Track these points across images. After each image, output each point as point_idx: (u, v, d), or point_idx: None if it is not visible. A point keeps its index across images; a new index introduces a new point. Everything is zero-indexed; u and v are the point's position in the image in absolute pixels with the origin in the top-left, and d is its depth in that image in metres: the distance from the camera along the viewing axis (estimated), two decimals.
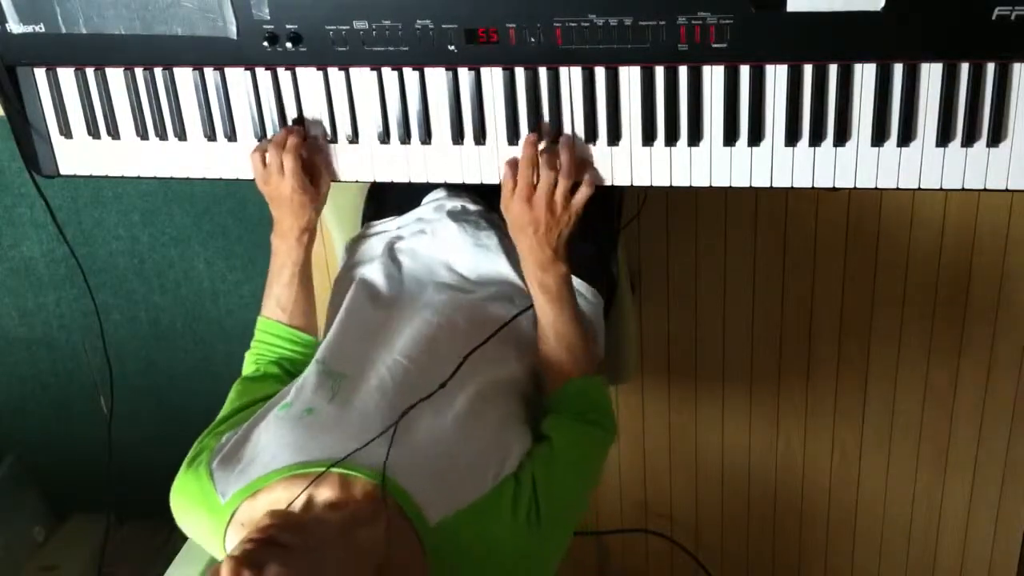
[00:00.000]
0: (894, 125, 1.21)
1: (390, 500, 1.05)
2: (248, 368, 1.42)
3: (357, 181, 1.37)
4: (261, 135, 1.35)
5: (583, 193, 1.25)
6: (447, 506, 1.07)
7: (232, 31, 1.27)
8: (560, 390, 1.29)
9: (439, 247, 1.45)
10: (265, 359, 1.40)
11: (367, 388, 1.20)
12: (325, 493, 1.06)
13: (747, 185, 1.26)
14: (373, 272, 1.45)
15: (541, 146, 1.26)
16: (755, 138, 1.23)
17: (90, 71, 1.36)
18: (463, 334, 1.28)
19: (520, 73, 1.25)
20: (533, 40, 1.21)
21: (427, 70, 1.27)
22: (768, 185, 1.26)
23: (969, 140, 1.19)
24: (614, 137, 1.27)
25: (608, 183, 1.29)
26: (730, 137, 1.24)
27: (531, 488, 1.11)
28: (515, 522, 1.09)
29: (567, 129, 1.27)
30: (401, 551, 1.03)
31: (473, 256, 1.43)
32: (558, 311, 1.29)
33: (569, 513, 1.18)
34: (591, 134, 1.27)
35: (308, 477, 1.07)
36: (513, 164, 1.26)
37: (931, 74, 1.17)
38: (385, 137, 1.32)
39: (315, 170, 1.34)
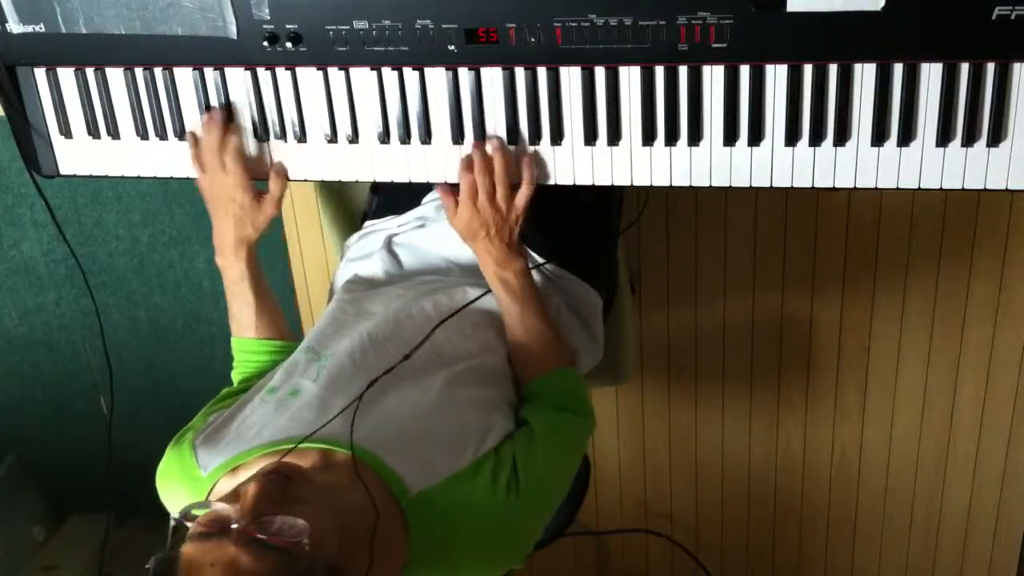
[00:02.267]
0: (894, 125, 1.20)
1: (369, 470, 1.06)
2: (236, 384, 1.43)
3: (357, 181, 1.36)
4: (262, 135, 1.35)
5: (523, 194, 1.27)
6: (427, 478, 1.09)
7: (232, 31, 1.27)
8: (536, 382, 1.29)
9: (437, 240, 1.46)
10: (249, 372, 1.41)
11: (352, 368, 1.21)
12: (305, 464, 1.07)
13: (747, 185, 1.26)
14: (370, 264, 1.46)
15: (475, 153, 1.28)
16: (755, 138, 1.23)
17: (90, 71, 1.36)
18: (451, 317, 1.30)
19: (520, 73, 1.25)
20: (533, 40, 1.21)
21: (427, 70, 1.27)
22: (768, 185, 1.26)
23: (969, 140, 1.19)
24: (614, 137, 1.27)
25: (608, 183, 1.29)
26: (730, 137, 1.24)
27: (511, 464, 1.13)
28: (495, 491, 1.10)
29: (567, 129, 1.27)
30: (384, 521, 1.04)
31: (470, 254, 1.44)
32: (523, 306, 1.30)
33: (547, 492, 1.19)
34: (591, 134, 1.27)
35: (287, 450, 1.08)
36: (444, 187, 1.30)
37: (931, 74, 1.17)
38: (385, 137, 1.32)
39: (262, 170, 1.33)
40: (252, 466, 1.09)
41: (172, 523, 0.97)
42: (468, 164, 1.27)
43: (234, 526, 0.93)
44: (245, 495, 0.95)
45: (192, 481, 1.13)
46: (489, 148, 1.27)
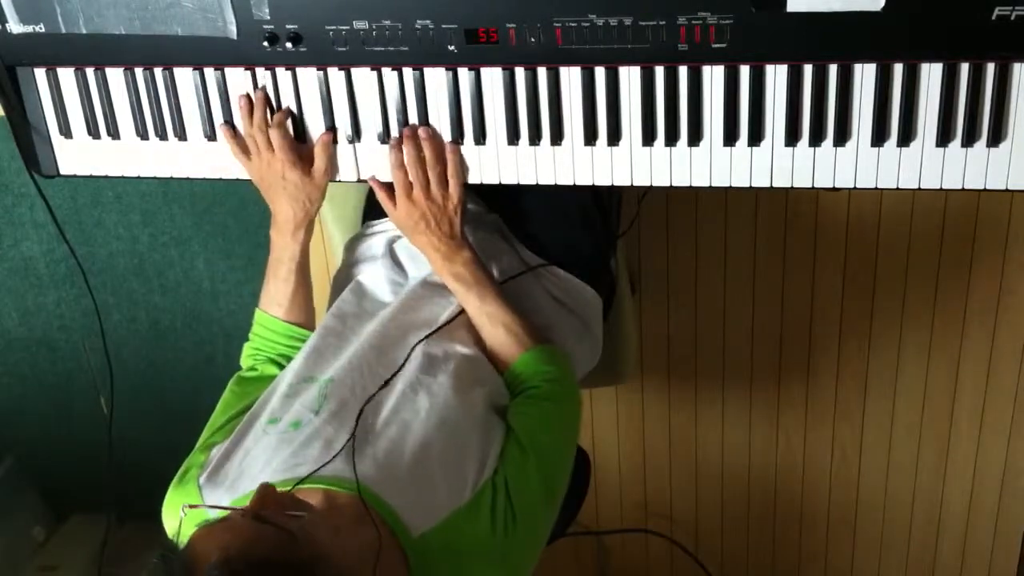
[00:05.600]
0: (894, 125, 1.21)
1: (373, 512, 1.05)
2: (246, 362, 1.41)
3: (357, 181, 1.36)
4: None
5: (454, 183, 1.29)
6: (428, 518, 1.07)
7: (232, 31, 1.27)
8: (511, 370, 1.29)
9: None
10: (263, 355, 1.40)
11: (352, 400, 1.19)
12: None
13: (747, 185, 1.26)
14: (374, 276, 1.44)
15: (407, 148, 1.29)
16: (755, 138, 1.23)
17: (90, 71, 1.36)
18: (442, 333, 1.29)
19: (520, 73, 1.25)
20: (533, 40, 1.21)
21: (427, 70, 1.27)
22: (768, 185, 1.26)
23: (969, 140, 1.19)
24: (614, 137, 1.27)
25: (607, 183, 1.29)
26: (730, 137, 1.24)
27: (504, 491, 1.12)
28: (494, 530, 1.09)
29: (567, 129, 1.27)
30: (386, 562, 1.03)
31: None
32: (480, 295, 1.30)
33: (545, 502, 1.18)
34: (591, 134, 1.27)
35: (292, 487, 1.07)
36: (377, 182, 1.32)
37: (931, 74, 1.17)
38: (385, 137, 1.32)
39: (306, 150, 1.33)
40: None
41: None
42: (399, 160, 1.29)
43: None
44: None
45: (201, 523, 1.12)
46: (422, 137, 1.28)
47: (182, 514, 1.03)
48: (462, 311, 1.33)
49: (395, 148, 1.29)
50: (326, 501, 1.06)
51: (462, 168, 1.30)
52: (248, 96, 1.32)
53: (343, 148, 1.34)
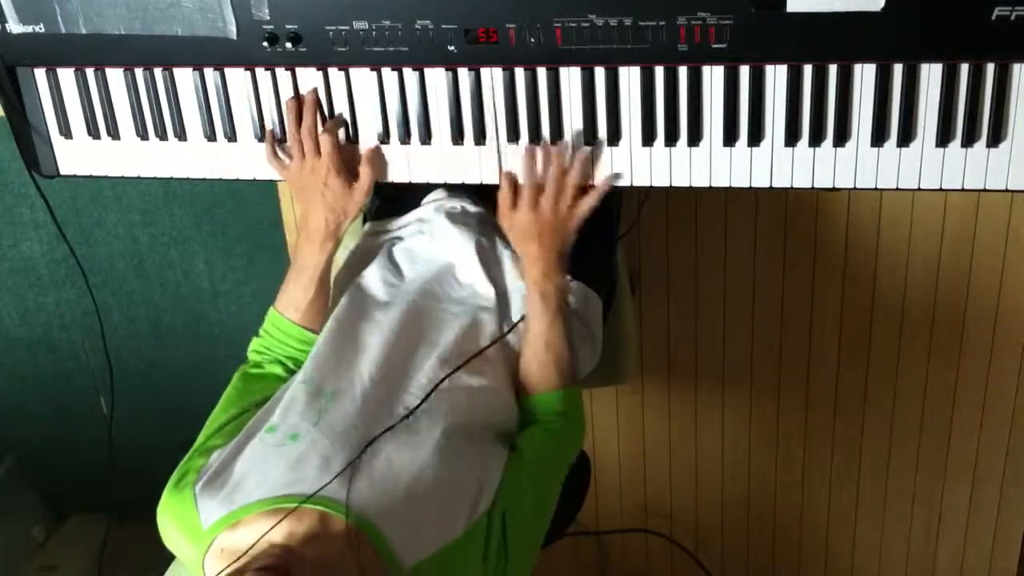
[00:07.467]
0: (894, 125, 1.21)
1: (365, 541, 1.04)
2: (252, 356, 1.40)
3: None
4: (261, 136, 1.35)
5: (587, 202, 1.28)
6: (421, 550, 1.06)
7: (232, 31, 1.27)
8: (538, 399, 1.29)
9: (438, 250, 1.45)
10: (271, 355, 1.38)
11: (352, 412, 1.18)
12: (303, 528, 1.05)
13: (747, 185, 1.26)
14: (370, 277, 1.44)
15: (539, 154, 1.28)
16: (755, 138, 1.23)
17: (90, 71, 1.36)
18: (452, 356, 1.28)
19: (520, 73, 1.25)
20: (533, 40, 1.21)
21: (427, 70, 1.27)
22: (768, 185, 1.26)
23: (969, 140, 1.19)
24: (614, 137, 1.27)
25: (616, 185, 1.29)
26: (730, 137, 1.24)
27: (500, 526, 1.11)
28: (485, 563, 1.09)
29: (567, 130, 1.27)
30: None
31: (470, 261, 1.43)
32: (552, 322, 1.29)
33: (535, 538, 1.18)
34: (591, 134, 1.27)
35: (287, 512, 1.06)
36: (510, 176, 1.29)
37: (931, 74, 1.18)
38: (385, 137, 1.32)
39: (351, 161, 1.33)
40: (252, 522, 1.06)
41: None
42: (531, 167, 1.27)
43: None
44: None
45: (192, 532, 1.11)
46: (581, 153, 1.27)
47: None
48: (487, 347, 1.31)
49: (530, 155, 1.28)
50: (320, 524, 1.05)
51: (601, 191, 1.29)
52: (296, 98, 1.31)
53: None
